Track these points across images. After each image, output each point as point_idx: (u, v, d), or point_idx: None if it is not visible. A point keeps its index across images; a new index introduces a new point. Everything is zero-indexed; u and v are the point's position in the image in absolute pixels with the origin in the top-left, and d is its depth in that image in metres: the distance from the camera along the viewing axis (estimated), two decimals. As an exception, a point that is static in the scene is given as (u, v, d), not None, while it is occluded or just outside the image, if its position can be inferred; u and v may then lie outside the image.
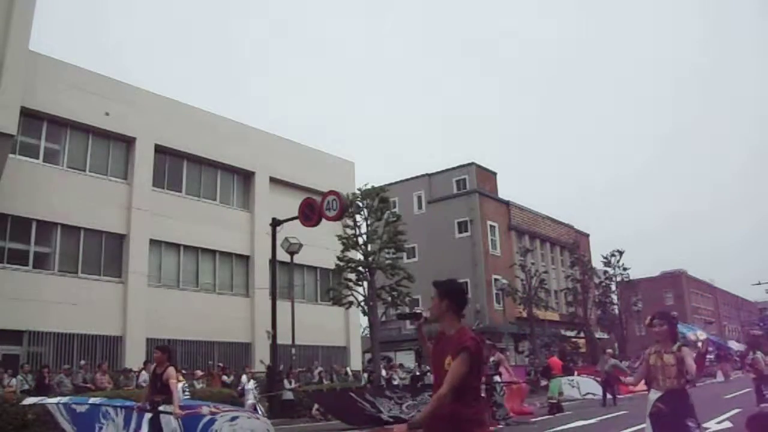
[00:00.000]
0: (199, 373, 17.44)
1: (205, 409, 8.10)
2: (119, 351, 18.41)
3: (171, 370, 6.68)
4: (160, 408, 6.61)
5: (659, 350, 4.70)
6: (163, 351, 6.88)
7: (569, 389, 17.57)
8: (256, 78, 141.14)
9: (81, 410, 7.60)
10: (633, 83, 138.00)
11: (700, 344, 4.55)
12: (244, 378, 16.51)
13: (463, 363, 3.02)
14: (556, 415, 14.58)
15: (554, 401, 15.52)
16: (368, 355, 26.27)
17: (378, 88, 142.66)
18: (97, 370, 15.70)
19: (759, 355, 8.57)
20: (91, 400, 8.08)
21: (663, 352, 4.65)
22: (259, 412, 13.69)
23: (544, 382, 17.19)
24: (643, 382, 5.07)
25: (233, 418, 8.34)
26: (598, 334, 39.68)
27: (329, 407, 15.06)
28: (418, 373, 22.23)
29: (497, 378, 11.51)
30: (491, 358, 11.77)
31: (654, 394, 4.65)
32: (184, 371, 17.69)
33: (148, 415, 6.74)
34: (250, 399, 15.08)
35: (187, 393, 13.31)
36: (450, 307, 3.27)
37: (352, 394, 13.24)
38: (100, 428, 7.39)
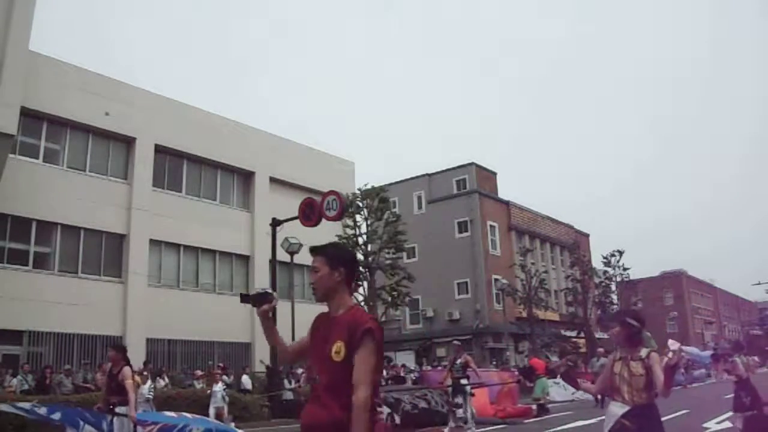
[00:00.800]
0: (199, 373, 17.44)
1: (175, 417, 7.78)
2: (119, 351, 18.40)
3: (126, 369, 6.44)
4: (117, 410, 6.33)
5: (625, 356, 4.04)
6: (117, 350, 6.65)
7: (556, 389, 17.35)
8: (256, 78, 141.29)
9: (56, 417, 7.34)
10: (633, 83, 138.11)
11: (670, 354, 3.80)
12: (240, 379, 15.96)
13: (372, 352, 2.40)
14: (546, 416, 14.58)
15: (541, 402, 15.51)
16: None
17: (378, 88, 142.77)
18: (97, 370, 15.69)
19: (739, 358, 8.49)
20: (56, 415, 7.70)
21: (629, 359, 4.00)
22: (227, 421, 12.89)
23: (529, 384, 17.00)
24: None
25: (207, 422, 8.00)
26: (598, 334, 39.66)
27: None
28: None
29: (464, 381, 11.11)
30: (458, 360, 11.22)
31: (617, 408, 3.96)
32: (156, 372, 17.43)
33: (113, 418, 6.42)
34: (218, 403, 14.07)
35: (151, 394, 13.00)
36: (345, 279, 2.60)
37: None
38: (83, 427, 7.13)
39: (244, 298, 2.79)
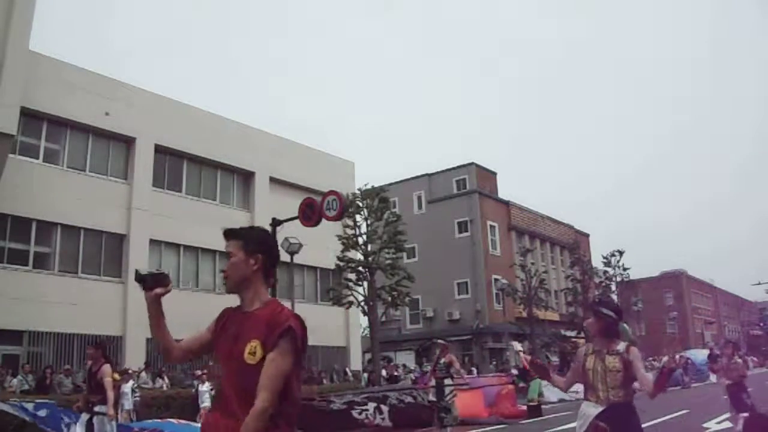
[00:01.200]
0: (199, 372, 17.41)
1: (160, 423, 7.71)
2: (119, 351, 18.40)
3: (105, 368, 6.39)
4: (96, 409, 6.29)
5: (599, 350, 3.66)
6: (97, 347, 6.58)
7: (549, 390, 17.28)
8: (256, 78, 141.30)
9: (42, 414, 7.31)
10: (632, 83, 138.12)
11: (665, 359, 3.54)
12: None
13: (287, 354, 2.08)
14: (539, 418, 14.52)
15: (534, 403, 15.46)
16: (368, 355, 26.29)
17: (378, 88, 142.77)
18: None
19: (739, 358, 8.53)
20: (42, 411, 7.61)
21: (605, 353, 3.62)
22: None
23: (521, 384, 16.94)
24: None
25: (195, 428, 7.96)
26: (598, 334, 39.62)
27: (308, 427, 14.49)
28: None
29: (448, 381, 10.99)
30: (441, 360, 10.99)
31: (591, 408, 3.59)
32: (155, 372, 17.47)
33: (85, 417, 6.37)
34: (205, 403, 14.08)
35: (136, 394, 12.89)
36: (262, 268, 2.28)
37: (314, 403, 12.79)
38: (67, 427, 7.11)
39: (138, 276, 2.38)
